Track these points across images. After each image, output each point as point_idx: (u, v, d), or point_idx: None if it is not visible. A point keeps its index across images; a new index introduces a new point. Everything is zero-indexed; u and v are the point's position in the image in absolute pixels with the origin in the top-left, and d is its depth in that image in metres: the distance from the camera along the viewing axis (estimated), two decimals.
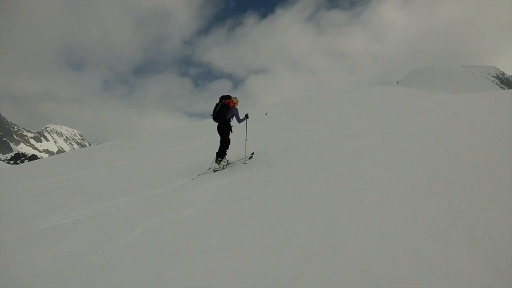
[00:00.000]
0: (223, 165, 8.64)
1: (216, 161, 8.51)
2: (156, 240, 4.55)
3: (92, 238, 5.00)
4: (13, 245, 5.15)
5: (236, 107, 8.43)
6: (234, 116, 8.39)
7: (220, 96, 8.41)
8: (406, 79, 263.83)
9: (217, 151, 8.63)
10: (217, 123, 8.50)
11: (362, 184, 5.53)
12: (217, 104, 8.33)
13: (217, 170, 8.38)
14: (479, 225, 3.75)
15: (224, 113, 8.24)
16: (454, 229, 3.75)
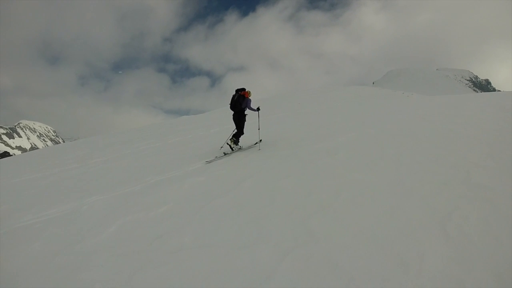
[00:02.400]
0: (238, 147, 9.83)
1: (231, 139, 9.65)
2: (129, 239, 4.43)
3: (64, 238, 4.83)
4: None
5: (250, 98, 9.55)
6: (247, 106, 9.53)
7: (236, 89, 9.52)
8: (382, 80, 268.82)
9: (235, 133, 9.80)
10: (232, 112, 9.68)
11: (336, 182, 5.58)
12: (233, 96, 9.48)
13: (229, 153, 9.57)
14: (452, 222, 3.83)
15: (240, 103, 9.36)
16: (427, 226, 3.81)
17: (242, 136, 9.97)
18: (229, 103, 9.58)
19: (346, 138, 8.98)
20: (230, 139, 9.70)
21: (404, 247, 3.43)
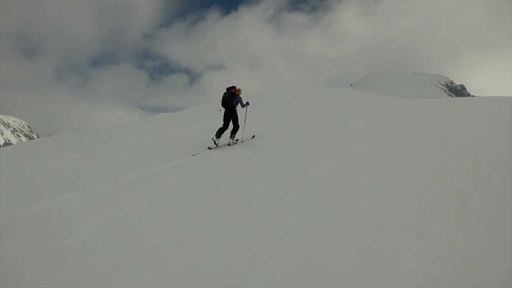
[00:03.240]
0: (236, 141, 10.27)
1: (230, 137, 10.14)
2: (103, 239, 4.33)
3: (38, 237, 4.68)
4: None
5: (240, 95, 9.96)
6: (239, 102, 9.90)
7: (227, 87, 10.00)
8: (359, 82, 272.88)
9: (232, 129, 10.24)
10: (224, 109, 10.10)
11: (312, 181, 5.64)
12: (225, 93, 9.89)
13: (231, 145, 10.07)
14: (425, 222, 3.92)
15: (231, 100, 9.77)
16: (401, 226, 3.88)
17: (238, 130, 10.32)
18: (221, 100, 9.96)
19: (322, 139, 9.10)
20: (230, 136, 10.12)
21: (379, 246, 3.48)
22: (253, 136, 10.78)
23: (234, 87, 9.89)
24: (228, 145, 10.02)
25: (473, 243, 3.42)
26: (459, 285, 2.85)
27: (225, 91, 9.99)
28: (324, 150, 7.71)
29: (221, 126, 10.11)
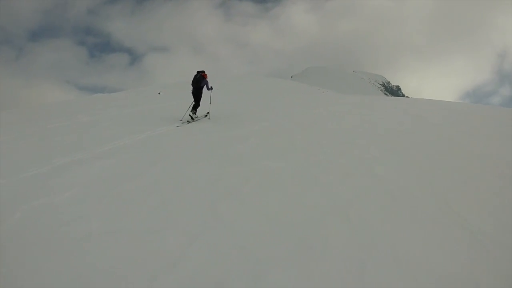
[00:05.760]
0: (196, 117, 11.42)
1: (191, 111, 11.33)
2: (34, 227, 4.02)
3: None
4: None
5: (207, 79, 11.43)
6: (206, 85, 11.40)
7: (197, 70, 11.54)
8: (300, 75, 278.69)
9: (193, 105, 11.55)
10: (192, 88, 11.52)
11: (245, 168, 5.78)
12: (195, 75, 11.45)
13: (192, 120, 11.18)
14: (354, 209, 4.22)
15: (200, 81, 11.28)
16: (330, 212, 4.14)
17: (198, 108, 11.61)
18: (192, 80, 11.57)
19: (259, 127, 9.32)
20: (191, 111, 11.33)
21: (309, 232, 3.68)
22: (207, 113, 12.01)
23: (203, 71, 11.50)
24: (191, 117, 11.23)
25: (398, 230, 3.76)
26: (385, 267, 3.12)
27: (195, 73, 11.58)
28: (260, 139, 7.92)
29: (194, 104, 11.54)
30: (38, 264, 3.28)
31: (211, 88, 11.82)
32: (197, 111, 11.65)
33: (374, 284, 2.92)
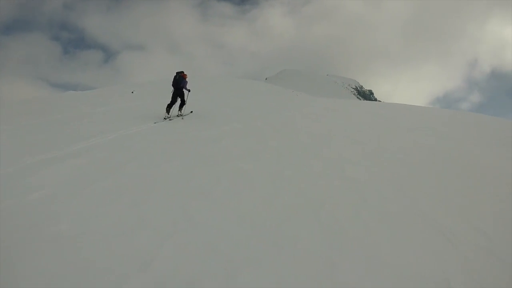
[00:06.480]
0: (182, 113, 12.11)
1: (179, 110, 12.05)
2: (4, 229, 3.91)
3: None
4: None
5: (186, 80, 11.89)
6: (185, 85, 11.81)
7: (177, 71, 11.95)
8: (275, 77, 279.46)
9: (180, 104, 12.14)
10: (173, 89, 11.88)
11: (218, 169, 5.83)
12: (175, 76, 11.86)
13: (181, 115, 11.98)
14: (325, 210, 4.35)
15: (180, 82, 11.70)
16: (302, 213, 4.25)
17: (184, 106, 12.22)
18: (172, 82, 11.95)
19: (232, 128, 9.40)
20: (178, 110, 12.04)
21: (280, 232, 3.77)
22: (191, 112, 12.58)
23: (182, 72, 11.98)
24: (178, 115, 11.86)
25: (368, 231, 3.91)
26: (355, 267, 3.24)
27: (175, 74, 11.98)
28: (233, 139, 7.99)
29: (169, 102, 11.80)
30: (5, 266, 3.20)
31: (189, 90, 12.19)
32: (183, 108, 12.18)
33: (345, 284, 3.01)
